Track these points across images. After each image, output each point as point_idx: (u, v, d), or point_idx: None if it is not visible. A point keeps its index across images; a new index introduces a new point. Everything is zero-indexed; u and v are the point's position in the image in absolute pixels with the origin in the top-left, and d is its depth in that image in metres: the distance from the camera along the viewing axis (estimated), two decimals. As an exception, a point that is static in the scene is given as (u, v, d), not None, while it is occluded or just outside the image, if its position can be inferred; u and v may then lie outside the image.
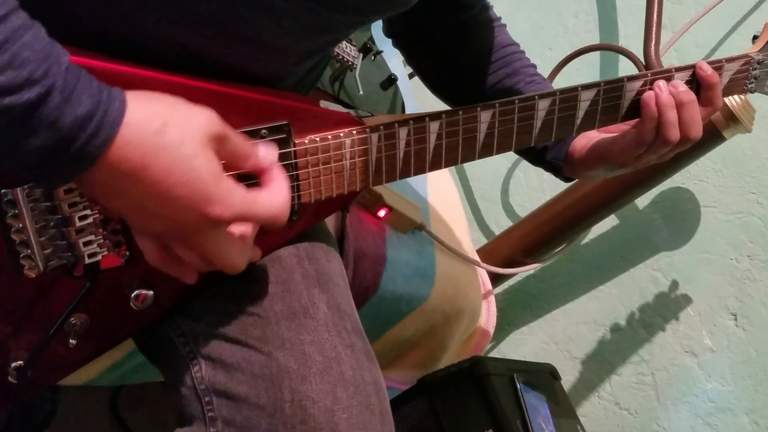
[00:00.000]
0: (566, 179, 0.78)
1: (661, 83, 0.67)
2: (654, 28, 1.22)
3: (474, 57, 0.78)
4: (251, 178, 0.51)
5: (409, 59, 0.85)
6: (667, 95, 0.66)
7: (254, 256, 0.54)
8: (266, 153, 0.51)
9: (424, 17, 0.76)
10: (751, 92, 0.76)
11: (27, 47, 0.38)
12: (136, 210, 0.45)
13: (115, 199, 0.44)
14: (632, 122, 0.69)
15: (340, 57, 0.99)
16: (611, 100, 0.67)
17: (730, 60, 0.71)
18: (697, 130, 0.67)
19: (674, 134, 0.66)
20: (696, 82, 0.69)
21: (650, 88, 0.67)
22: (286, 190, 0.50)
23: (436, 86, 0.83)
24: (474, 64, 0.78)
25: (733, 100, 1.08)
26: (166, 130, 0.43)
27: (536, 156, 0.78)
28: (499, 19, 0.81)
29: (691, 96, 0.66)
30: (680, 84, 0.67)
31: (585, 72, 1.44)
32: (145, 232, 0.48)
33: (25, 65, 0.38)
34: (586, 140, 0.73)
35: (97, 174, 0.42)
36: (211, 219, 0.45)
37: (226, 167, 0.47)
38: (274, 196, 0.49)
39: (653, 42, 1.21)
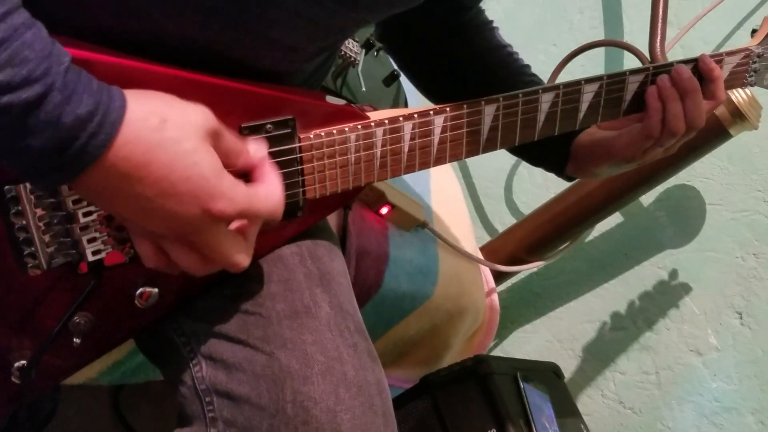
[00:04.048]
0: (568, 178, 0.77)
1: (665, 77, 0.67)
2: (659, 24, 1.21)
3: (473, 58, 0.77)
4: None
5: (404, 64, 0.83)
6: (671, 88, 0.66)
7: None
8: (256, 149, 0.50)
9: (423, 19, 0.75)
10: (751, 85, 0.76)
11: (27, 46, 0.38)
12: (137, 211, 0.44)
13: (114, 200, 0.44)
14: (634, 117, 0.69)
15: (343, 53, 0.98)
16: (614, 92, 0.67)
17: (730, 53, 0.71)
18: (701, 120, 0.67)
19: (680, 126, 0.66)
20: (698, 75, 0.68)
21: (653, 82, 0.67)
22: (280, 184, 0.50)
23: (432, 91, 0.81)
24: (473, 66, 0.77)
25: (739, 97, 1.07)
26: (165, 126, 0.42)
27: (537, 155, 0.77)
28: (492, 22, 0.81)
29: (695, 84, 0.66)
30: (684, 71, 0.66)
31: (589, 68, 1.43)
32: (144, 234, 0.47)
33: (25, 64, 0.38)
34: (589, 137, 0.72)
35: (97, 175, 0.41)
36: (214, 214, 0.44)
37: None
38: (271, 191, 0.49)
39: (659, 38, 1.20)
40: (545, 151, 0.75)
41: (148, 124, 0.42)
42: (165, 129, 0.42)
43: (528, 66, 0.78)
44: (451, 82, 0.79)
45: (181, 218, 0.44)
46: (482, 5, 0.80)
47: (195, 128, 0.44)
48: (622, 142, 0.68)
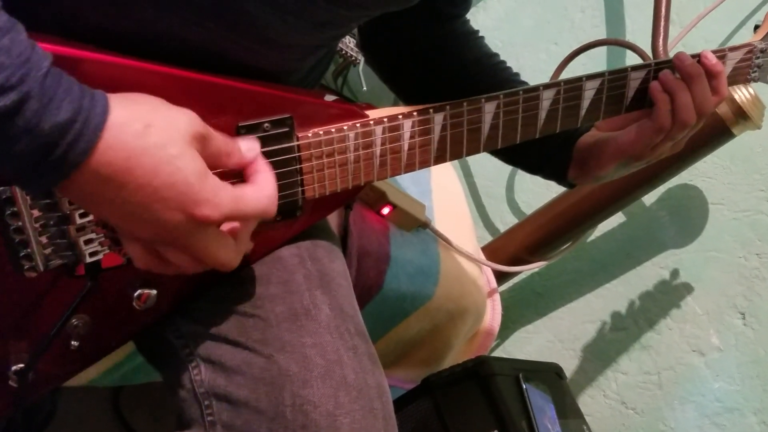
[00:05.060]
0: (569, 185, 0.75)
1: (667, 71, 0.66)
2: (662, 23, 1.20)
3: (461, 68, 0.76)
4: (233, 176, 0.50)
5: (389, 76, 0.80)
6: (675, 79, 0.65)
7: (247, 249, 0.52)
8: (248, 147, 0.50)
9: (408, 27, 0.74)
10: (755, 81, 0.75)
11: (4, 52, 0.37)
12: (123, 216, 0.44)
13: (100, 205, 0.43)
14: (635, 115, 0.68)
15: (344, 52, 0.98)
16: (616, 89, 0.67)
17: (733, 49, 0.71)
18: (709, 105, 0.66)
19: (691, 115, 0.65)
20: None
21: (656, 78, 0.66)
22: (273, 181, 0.49)
23: (418, 103, 0.80)
24: (461, 75, 0.76)
25: (742, 96, 1.07)
26: (148, 131, 0.42)
27: (536, 162, 0.75)
28: (478, 32, 0.79)
29: (699, 69, 0.65)
30: (686, 56, 0.66)
31: (591, 67, 1.42)
32: (132, 237, 0.47)
33: (1, 71, 0.37)
34: (592, 138, 0.71)
35: (81, 180, 0.41)
36: (199, 220, 0.44)
37: (211, 167, 0.46)
38: (262, 190, 0.48)
39: (661, 37, 1.20)
40: (545, 155, 0.73)
41: (131, 130, 0.41)
42: (149, 134, 0.42)
43: (518, 74, 0.76)
44: (439, 93, 0.76)
45: (167, 224, 0.44)
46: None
47: (180, 133, 0.43)
48: (630, 136, 0.66)
